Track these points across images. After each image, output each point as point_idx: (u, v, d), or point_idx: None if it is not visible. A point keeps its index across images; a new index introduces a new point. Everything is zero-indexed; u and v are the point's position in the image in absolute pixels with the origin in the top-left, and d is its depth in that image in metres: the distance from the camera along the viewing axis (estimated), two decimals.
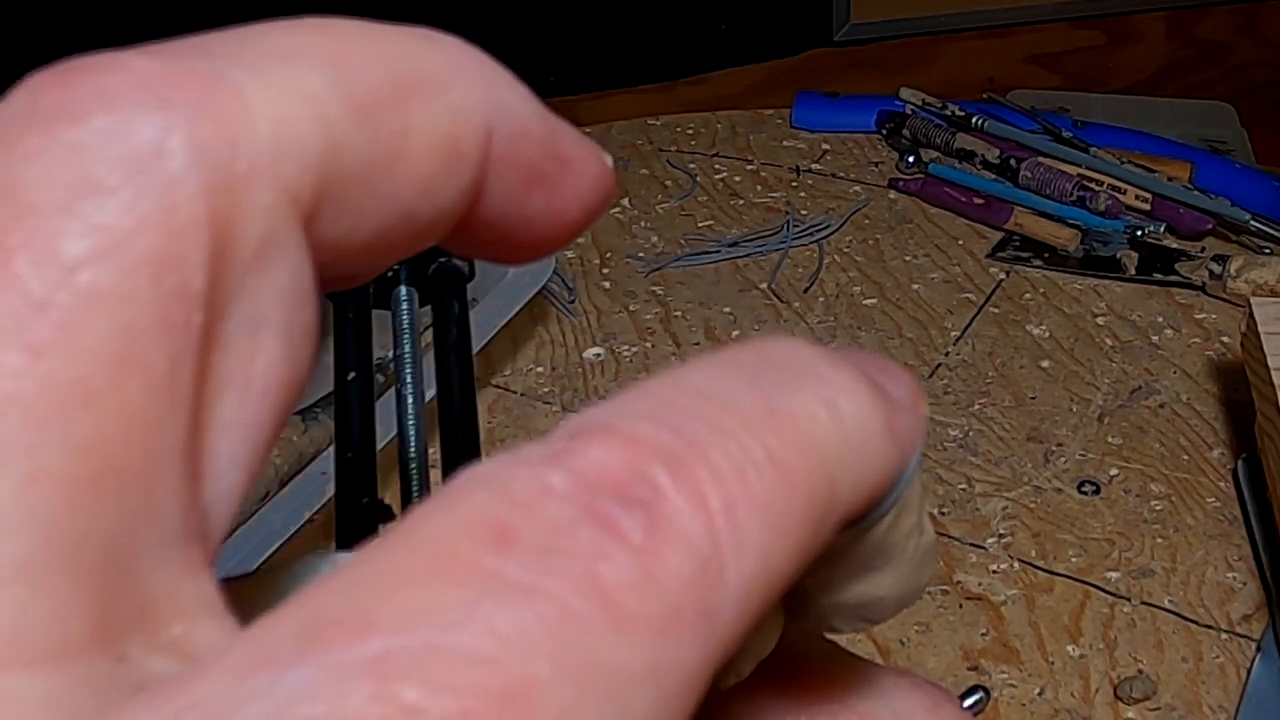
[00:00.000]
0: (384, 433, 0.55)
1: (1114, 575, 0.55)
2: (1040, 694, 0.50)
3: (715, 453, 0.11)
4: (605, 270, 0.79)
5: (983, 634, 0.52)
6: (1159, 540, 0.57)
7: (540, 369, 0.71)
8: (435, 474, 0.47)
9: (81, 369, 0.10)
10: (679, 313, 0.75)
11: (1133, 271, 0.76)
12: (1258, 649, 0.51)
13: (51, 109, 0.11)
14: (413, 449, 0.58)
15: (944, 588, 0.55)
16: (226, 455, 0.12)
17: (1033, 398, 0.66)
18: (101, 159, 0.11)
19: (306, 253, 0.12)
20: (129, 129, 0.11)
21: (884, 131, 0.93)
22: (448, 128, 0.13)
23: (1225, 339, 0.70)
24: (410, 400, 0.56)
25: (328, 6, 0.15)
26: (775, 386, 0.12)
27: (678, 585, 0.10)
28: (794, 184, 0.88)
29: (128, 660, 0.10)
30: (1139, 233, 0.78)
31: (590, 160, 0.15)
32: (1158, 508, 0.59)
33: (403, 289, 0.61)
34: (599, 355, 0.72)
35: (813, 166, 0.90)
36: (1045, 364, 0.69)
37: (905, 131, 0.90)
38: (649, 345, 0.72)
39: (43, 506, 0.10)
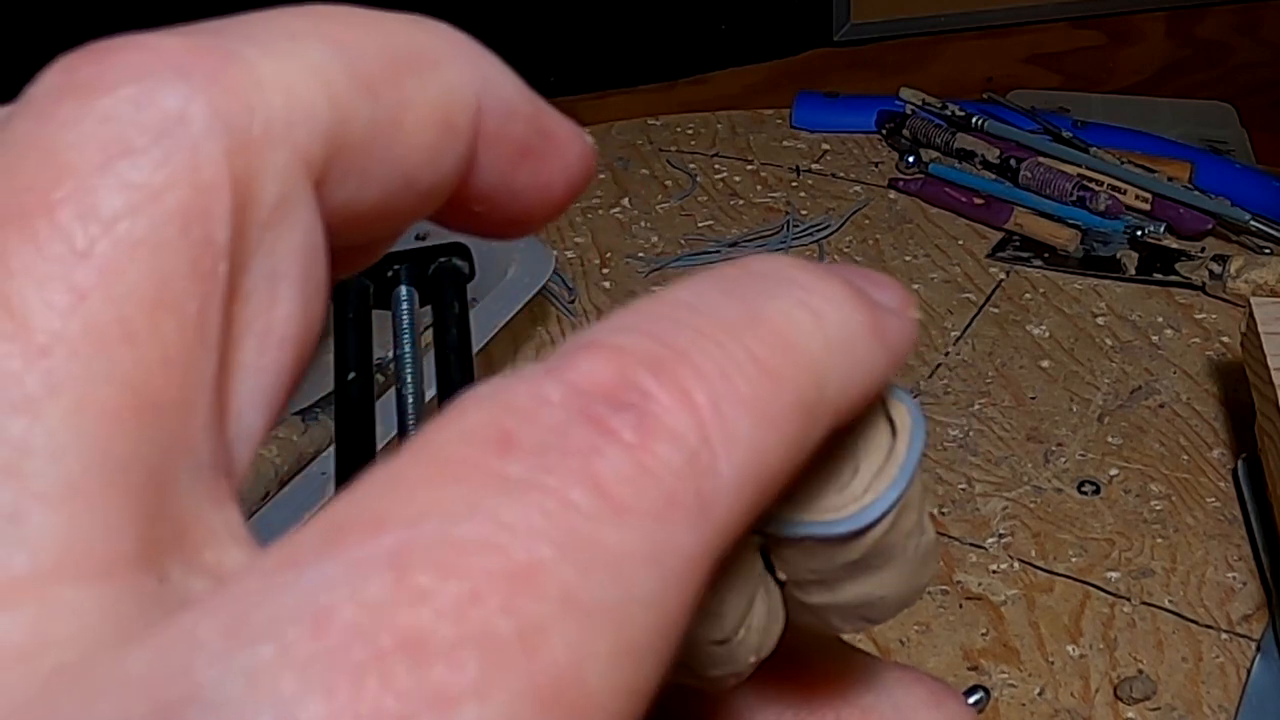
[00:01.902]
0: (384, 433, 0.55)
1: (1114, 575, 0.55)
2: (1040, 694, 0.50)
3: (699, 356, 0.12)
4: (605, 270, 0.79)
5: (983, 634, 0.52)
6: (1159, 540, 0.57)
7: None
8: None
9: (122, 310, 0.11)
10: None
11: (1133, 271, 0.76)
12: (1258, 649, 0.51)
13: (85, 82, 0.12)
14: None
15: (944, 588, 0.55)
16: (248, 396, 0.13)
17: (1033, 398, 0.66)
18: (131, 124, 0.12)
19: (318, 213, 0.13)
20: (154, 97, 0.12)
21: (884, 131, 0.93)
22: (442, 101, 0.14)
23: (1225, 339, 0.70)
24: (410, 400, 0.56)
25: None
26: (757, 295, 0.13)
27: (670, 476, 0.11)
28: (794, 184, 0.88)
29: (168, 580, 0.11)
30: (1139, 233, 0.78)
31: (574, 138, 0.16)
32: (1158, 508, 0.59)
33: (403, 289, 0.61)
34: None
35: (813, 166, 0.90)
36: (1045, 364, 0.69)
37: (905, 131, 0.90)
38: None
39: (91, 433, 0.11)
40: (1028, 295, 0.75)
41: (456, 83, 0.14)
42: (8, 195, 0.11)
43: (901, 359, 0.14)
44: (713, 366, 0.12)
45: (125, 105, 0.12)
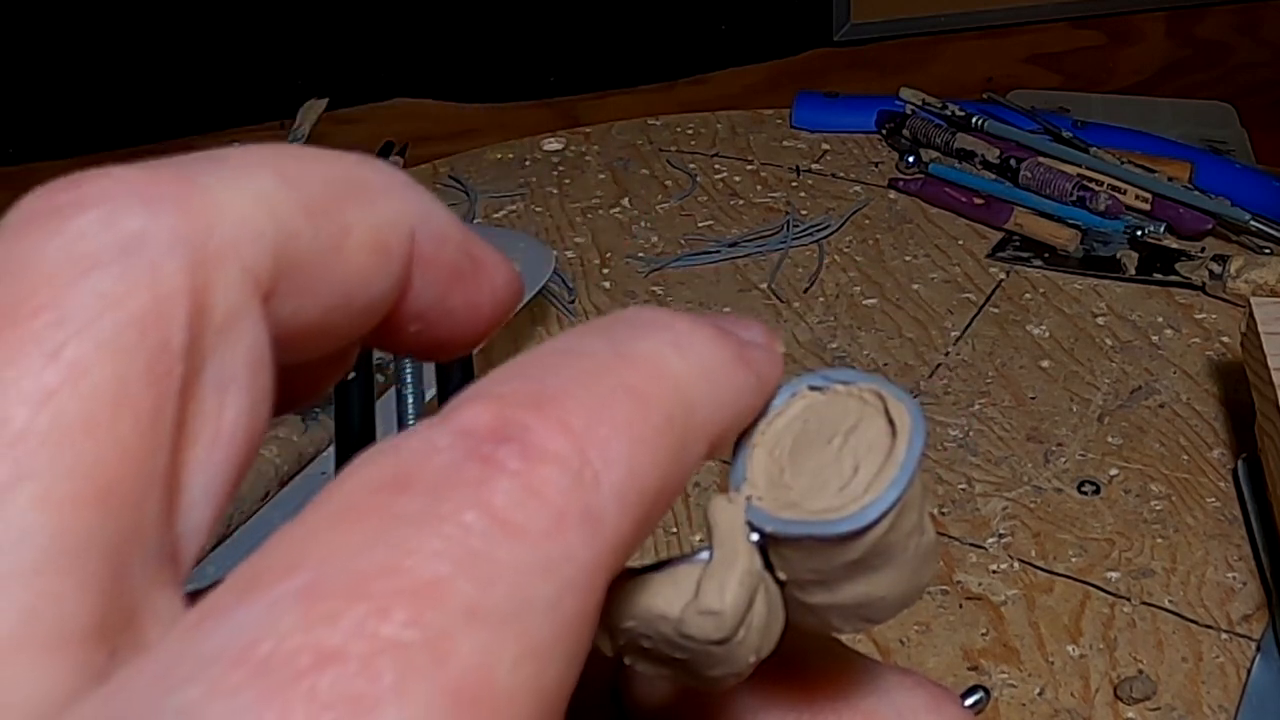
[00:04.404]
0: (384, 432, 0.55)
1: (1114, 575, 0.55)
2: (1040, 694, 0.50)
3: (574, 390, 0.13)
4: (605, 270, 0.79)
5: (983, 634, 0.52)
6: (1159, 540, 0.57)
7: None
8: None
9: (85, 405, 0.12)
10: None
11: (1133, 271, 0.76)
12: (1258, 649, 0.51)
13: (61, 205, 0.13)
14: None
15: (944, 588, 0.55)
16: (197, 492, 0.14)
17: (1033, 398, 0.66)
18: (99, 241, 0.13)
19: (265, 325, 0.14)
20: (120, 219, 0.13)
21: (884, 131, 0.93)
22: (379, 227, 0.16)
23: (1225, 339, 0.70)
24: (410, 400, 0.56)
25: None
26: (627, 336, 0.14)
27: (557, 495, 0.12)
28: (794, 184, 0.88)
29: (116, 656, 0.12)
30: (1139, 233, 0.78)
31: (500, 265, 0.18)
32: (1158, 508, 0.59)
33: None
34: None
35: (813, 166, 0.90)
36: (1045, 364, 0.69)
37: (905, 131, 0.90)
38: None
39: (55, 518, 0.12)
40: (1028, 295, 0.75)
41: (393, 211, 0.16)
42: None
43: (770, 385, 0.16)
44: (587, 397, 0.13)
45: (95, 225, 0.13)
